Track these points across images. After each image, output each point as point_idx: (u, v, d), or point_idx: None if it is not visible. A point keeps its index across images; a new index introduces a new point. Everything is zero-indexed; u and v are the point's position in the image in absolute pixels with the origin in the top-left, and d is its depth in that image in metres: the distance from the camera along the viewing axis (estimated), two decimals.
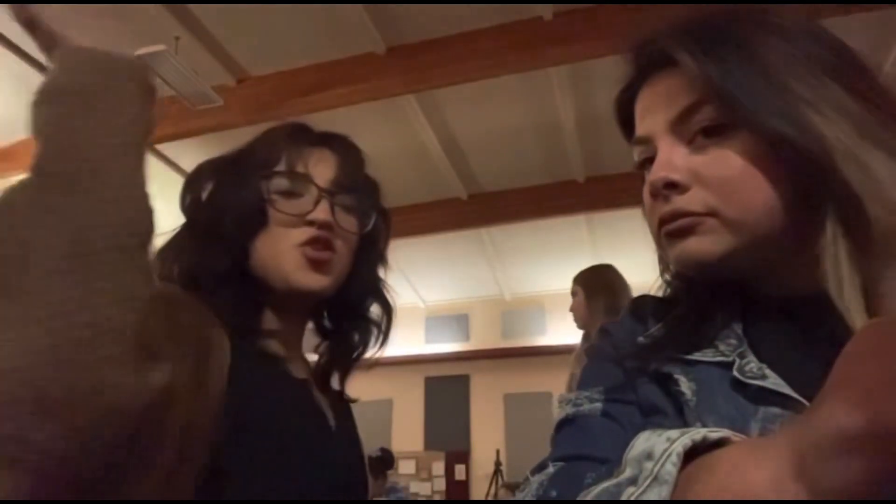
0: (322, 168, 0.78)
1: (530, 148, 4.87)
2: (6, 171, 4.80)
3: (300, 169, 0.76)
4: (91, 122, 0.48)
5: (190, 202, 0.78)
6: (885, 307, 0.44)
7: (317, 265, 0.75)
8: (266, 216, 0.75)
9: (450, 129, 4.71)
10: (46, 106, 0.50)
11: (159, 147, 4.76)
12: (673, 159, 0.53)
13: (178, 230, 0.78)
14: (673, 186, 0.52)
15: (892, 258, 0.45)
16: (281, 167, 0.77)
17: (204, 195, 0.78)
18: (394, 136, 4.59)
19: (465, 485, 7.39)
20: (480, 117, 4.55)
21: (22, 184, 0.46)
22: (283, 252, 0.74)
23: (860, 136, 0.47)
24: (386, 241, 0.88)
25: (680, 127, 0.53)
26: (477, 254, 6.75)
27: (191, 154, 4.90)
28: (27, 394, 0.38)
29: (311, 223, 0.75)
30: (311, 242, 0.74)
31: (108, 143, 0.48)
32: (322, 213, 0.75)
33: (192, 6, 3.51)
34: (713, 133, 0.52)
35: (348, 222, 0.79)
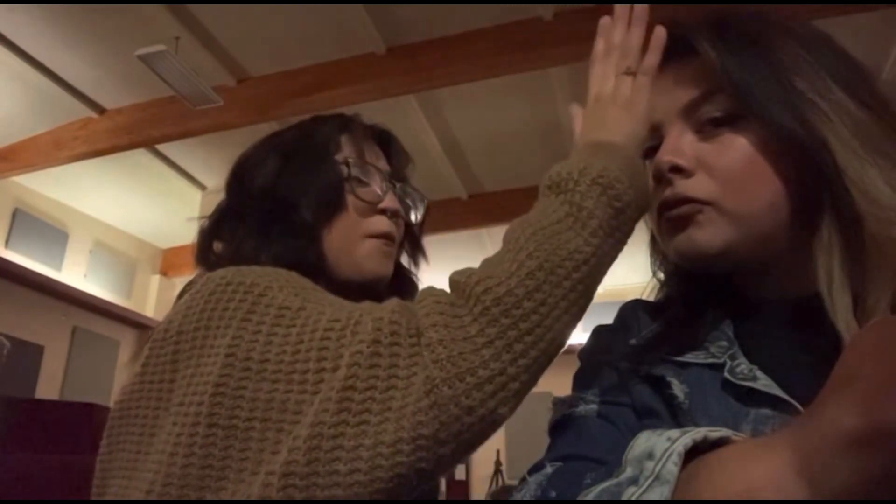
0: (379, 160, 0.80)
1: (530, 148, 4.87)
2: (6, 171, 4.80)
3: (368, 159, 0.78)
4: (612, 245, 0.53)
5: (249, 186, 0.76)
6: (871, 313, 0.45)
7: (386, 253, 0.77)
8: (344, 202, 0.75)
9: (450, 129, 4.71)
10: (615, 207, 0.53)
11: (159, 147, 4.76)
12: (681, 145, 0.54)
13: (226, 212, 0.77)
14: (678, 171, 0.53)
15: (881, 266, 0.46)
16: (346, 155, 0.77)
17: (265, 180, 0.75)
18: None
19: (465, 485, 7.39)
20: (480, 117, 4.55)
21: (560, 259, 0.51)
22: (356, 239, 0.75)
23: (860, 143, 0.48)
24: (422, 232, 0.90)
25: (690, 114, 0.55)
26: (477, 254, 6.74)
27: (191, 154, 4.91)
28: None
29: (382, 211, 0.77)
30: (385, 235, 0.76)
31: (609, 264, 0.54)
32: (392, 202, 0.78)
33: (192, 6, 3.51)
34: (722, 123, 0.53)
35: (404, 210, 0.82)
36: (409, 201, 0.84)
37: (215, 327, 0.57)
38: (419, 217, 0.86)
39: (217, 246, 0.75)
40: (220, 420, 0.52)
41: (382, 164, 0.81)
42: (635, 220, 0.54)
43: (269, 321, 0.55)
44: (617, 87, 0.57)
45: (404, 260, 0.87)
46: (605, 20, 0.60)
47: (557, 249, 0.50)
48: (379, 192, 0.77)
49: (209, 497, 0.51)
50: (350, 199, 0.75)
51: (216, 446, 0.52)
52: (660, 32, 0.56)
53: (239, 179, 0.78)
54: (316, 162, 0.76)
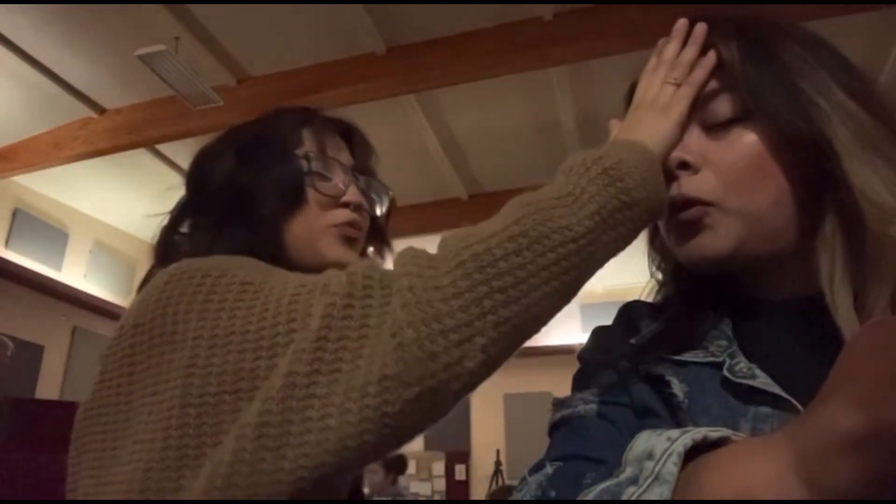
0: (342, 153, 0.80)
1: (530, 148, 4.87)
2: (6, 171, 4.80)
3: (330, 152, 0.78)
4: (613, 238, 0.53)
5: (208, 180, 0.76)
6: (871, 316, 0.45)
7: (349, 241, 0.77)
8: (304, 196, 0.75)
9: (450, 129, 4.70)
10: (622, 200, 0.53)
11: (159, 147, 4.76)
12: (687, 141, 0.55)
13: (186, 207, 0.77)
14: (685, 167, 0.54)
15: (881, 264, 0.46)
16: (306, 150, 0.77)
17: (224, 174, 0.75)
18: (394, 136, 4.58)
19: (465, 485, 7.39)
20: (480, 117, 4.55)
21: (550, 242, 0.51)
22: (319, 231, 0.75)
23: (860, 143, 0.49)
24: (387, 225, 0.89)
25: (698, 112, 0.56)
26: None
27: (191, 154, 4.89)
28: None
29: (345, 205, 0.76)
30: (349, 224, 0.76)
31: (607, 256, 0.54)
32: (354, 195, 0.77)
33: (192, 6, 3.51)
34: (729, 122, 0.54)
35: (368, 204, 0.82)
36: (373, 195, 0.84)
37: (172, 313, 0.56)
38: (384, 210, 0.85)
39: (177, 241, 0.75)
40: (192, 399, 0.53)
41: (345, 158, 0.80)
42: (644, 220, 0.54)
43: (231, 297, 0.55)
44: (658, 94, 0.58)
45: (370, 254, 0.87)
46: (661, 40, 0.61)
47: (547, 221, 0.51)
48: (341, 185, 0.77)
49: (188, 475, 0.52)
50: (311, 193, 0.75)
51: (190, 426, 0.52)
52: (712, 55, 0.56)
53: (199, 174, 0.78)
54: (276, 156, 0.76)
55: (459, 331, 0.48)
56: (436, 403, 0.49)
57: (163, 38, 3.50)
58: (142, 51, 3.44)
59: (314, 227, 0.75)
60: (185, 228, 0.76)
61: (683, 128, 0.56)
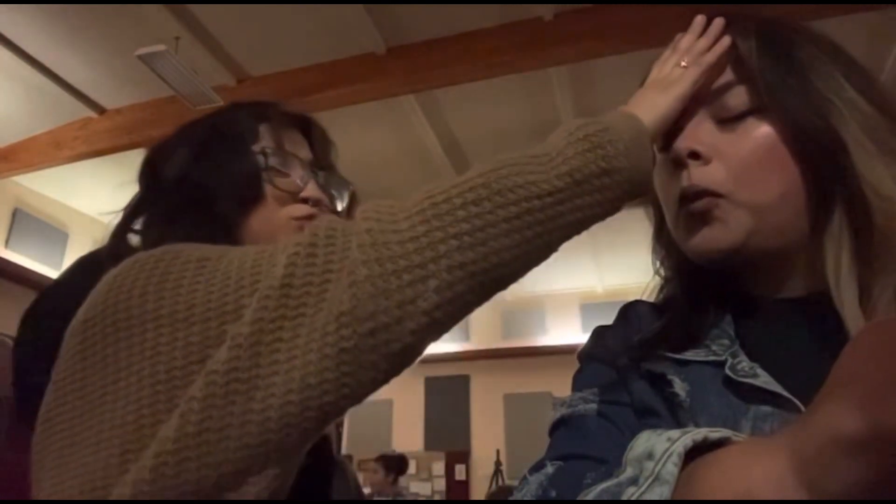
0: (300, 148, 0.79)
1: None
2: (6, 171, 4.80)
3: (288, 147, 0.77)
4: (590, 204, 0.53)
5: (161, 176, 0.74)
6: (875, 309, 0.46)
7: None
8: (261, 192, 0.73)
9: (450, 129, 4.71)
10: (600, 167, 0.53)
11: None
12: (699, 132, 0.56)
13: (138, 204, 0.75)
14: (696, 157, 0.54)
15: (887, 258, 0.47)
16: (264, 144, 0.75)
17: (178, 170, 0.74)
18: (394, 136, 4.59)
19: (465, 485, 7.39)
20: (480, 117, 4.55)
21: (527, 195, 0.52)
22: (279, 225, 0.74)
23: (870, 139, 0.50)
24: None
25: (710, 103, 0.56)
26: None
27: None
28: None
29: (304, 200, 0.75)
30: (309, 218, 0.75)
31: (582, 221, 0.54)
32: (314, 191, 0.76)
33: (192, 6, 3.51)
34: (742, 115, 0.54)
35: (327, 199, 0.80)
36: (333, 190, 0.82)
37: (126, 299, 0.54)
38: (345, 205, 0.84)
39: (130, 239, 0.73)
40: (160, 377, 0.52)
41: (304, 153, 0.79)
42: (626, 190, 0.54)
43: (189, 274, 0.54)
44: (666, 75, 0.59)
45: None
46: (678, 34, 0.63)
47: (513, 176, 0.52)
48: (299, 182, 0.75)
49: None
50: (269, 189, 0.73)
51: (161, 402, 0.51)
52: (725, 40, 0.57)
53: (152, 170, 0.76)
54: (232, 152, 0.74)
55: (412, 271, 0.48)
56: (392, 341, 0.49)
57: (163, 38, 3.50)
58: (142, 51, 3.44)
59: (273, 221, 0.73)
60: (138, 226, 0.74)
61: (684, 104, 0.57)
